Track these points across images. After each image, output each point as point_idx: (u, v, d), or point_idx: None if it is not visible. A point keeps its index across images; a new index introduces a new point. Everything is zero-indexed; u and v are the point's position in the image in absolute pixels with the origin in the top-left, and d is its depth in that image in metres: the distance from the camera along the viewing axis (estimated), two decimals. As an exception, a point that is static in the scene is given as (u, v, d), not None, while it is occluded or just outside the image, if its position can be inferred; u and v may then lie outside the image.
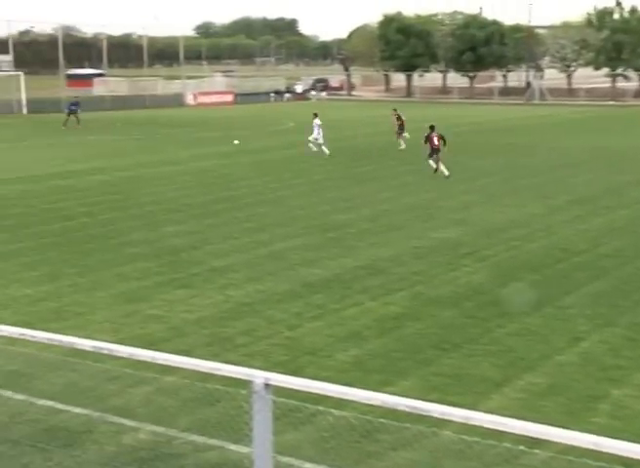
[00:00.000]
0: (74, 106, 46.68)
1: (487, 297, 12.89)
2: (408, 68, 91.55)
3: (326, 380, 5.94)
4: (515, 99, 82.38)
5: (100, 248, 16.35)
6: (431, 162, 27.27)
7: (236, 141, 34.53)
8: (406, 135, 36.07)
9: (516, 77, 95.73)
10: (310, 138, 32.98)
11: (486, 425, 4.54)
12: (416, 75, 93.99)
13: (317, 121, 32.63)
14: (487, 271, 14.60)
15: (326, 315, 11.97)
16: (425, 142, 27.37)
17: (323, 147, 32.43)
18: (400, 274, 14.38)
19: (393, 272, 14.52)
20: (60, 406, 8.41)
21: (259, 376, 5.07)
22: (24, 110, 58.76)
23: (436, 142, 27.03)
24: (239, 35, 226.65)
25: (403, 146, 35.21)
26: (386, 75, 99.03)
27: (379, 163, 30.82)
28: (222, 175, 27.20)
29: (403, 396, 5.09)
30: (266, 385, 5.05)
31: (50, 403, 8.47)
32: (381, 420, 6.42)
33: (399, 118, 36.56)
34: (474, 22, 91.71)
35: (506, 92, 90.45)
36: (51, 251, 16.06)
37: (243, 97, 78.16)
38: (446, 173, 26.41)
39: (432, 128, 27.51)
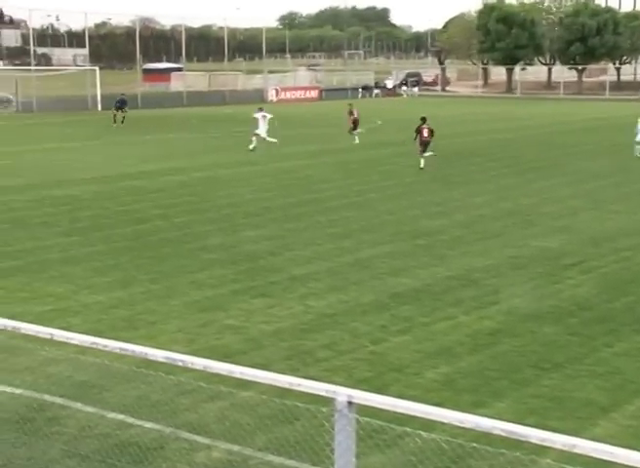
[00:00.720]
0: (120, 103, 47.61)
1: (593, 313, 12.63)
2: (509, 61, 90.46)
3: (413, 399, 5.92)
4: (630, 95, 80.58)
5: (174, 253, 16.66)
6: (426, 154, 28.99)
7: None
8: (361, 130, 37.75)
9: (631, 70, 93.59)
10: (263, 134, 34.75)
11: (591, 454, 4.44)
12: (517, 68, 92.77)
13: (260, 114, 35.04)
14: (593, 284, 14.31)
15: (414, 329, 11.93)
16: (416, 136, 29.39)
17: (268, 138, 34.49)
18: (496, 286, 14.22)
19: (488, 284, 14.37)
20: (130, 420, 8.60)
21: (341, 393, 5.08)
22: (99, 107, 60.27)
23: (425, 135, 29.12)
24: (326, 26, 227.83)
25: (357, 142, 37.14)
26: (485, 69, 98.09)
27: (474, 164, 30.54)
28: (305, 177, 27.38)
29: (498, 419, 5.03)
30: (349, 403, 5.05)
31: (120, 416, 8.67)
32: (474, 445, 6.36)
33: (351, 113, 38.15)
34: (585, 10, 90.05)
35: (619, 86, 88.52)
36: (123, 255, 16.44)
37: (329, 93, 78.54)
38: (422, 165, 28.71)
39: (424, 119, 29.52)
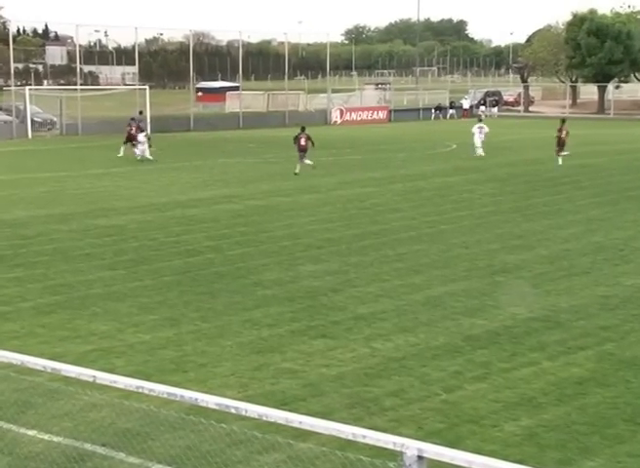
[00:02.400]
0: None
1: (696, 361, 12.38)
2: (601, 78, 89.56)
3: (491, 455, 5.87)
4: None
5: (227, 288, 16.79)
6: (307, 161, 35.06)
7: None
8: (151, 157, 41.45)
9: None
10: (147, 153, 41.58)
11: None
12: (611, 86, 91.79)
13: (142, 134, 41.89)
14: (696, 328, 14.04)
15: (492, 375, 11.82)
16: (294, 143, 35.65)
17: (149, 156, 41.13)
18: (584, 329, 14.03)
19: (576, 326, 14.19)
20: (177, 472, 8.64)
21: (410, 446, 5.06)
22: (149, 129, 61.19)
23: (303, 143, 35.27)
24: (396, 41, 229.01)
25: (121, 154, 42.59)
26: (573, 87, 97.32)
27: (560, 193, 30.28)
28: (371, 206, 27.43)
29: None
30: (420, 458, 5.03)
31: (167, 468, 8.73)
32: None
33: (129, 126, 42.89)
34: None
35: None
36: (172, 291, 16.62)
37: (398, 114, 78.72)
38: (297, 170, 34.98)
39: (303, 129, 36.05)
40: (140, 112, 53.59)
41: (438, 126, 71.21)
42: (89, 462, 8.91)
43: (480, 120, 45.36)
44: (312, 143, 35.34)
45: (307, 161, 35.18)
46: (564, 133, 39.19)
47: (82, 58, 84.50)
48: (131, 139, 42.52)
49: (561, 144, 39.30)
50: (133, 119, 44.33)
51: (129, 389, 6.49)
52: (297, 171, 35.06)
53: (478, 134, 43.13)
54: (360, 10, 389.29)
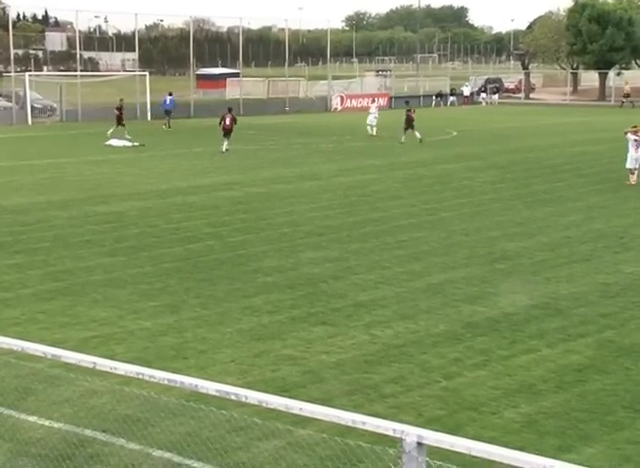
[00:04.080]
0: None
1: (696, 349, 12.39)
2: (602, 65, 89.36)
3: (491, 442, 5.88)
4: None
5: (227, 275, 16.80)
6: (225, 144, 37.91)
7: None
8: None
9: None
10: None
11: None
12: (612, 73, 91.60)
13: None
14: (696, 316, 14.04)
15: (491, 363, 11.84)
16: (220, 123, 38.53)
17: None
18: (585, 316, 14.05)
19: (576, 313, 14.20)
20: (177, 458, 8.66)
21: (410, 433, 5.07)
22: (149, 116, 61.16)
23: (227, 123, 38.12)
24: (396, 27, 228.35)
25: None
26: (574, 74, 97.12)
27: (561, 180, 30.27)
28: (371, 193, 27.42)
29: (586, 465, 4.97)
30: (419, 444, 5.04)
31: (167, 455, 8.74)
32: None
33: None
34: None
35: None
36: (172, 277, 16.62)
37: (399, 101, 78.48)
38: (223, 149, 37.85)
39: (230, 110, 39.18)
40: (171, 94, 55.23)
41: (439, 113, 71.10)
42: (89, 448, 8.93)
43: (373, 101, 53.54)
44: (235, 122, 38.60)
45: (225, 144, 38.10)
46: (412, 111, 43.50)
47: (82, 44, 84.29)
48: (120, 120, 45.76)
49: (409, 122, 43.06)
50: (122, 99, 47.56)
51: (129, 375, 6.49)
52: (223, 149, 37.95)
53: (373, 114, 48.01)
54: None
